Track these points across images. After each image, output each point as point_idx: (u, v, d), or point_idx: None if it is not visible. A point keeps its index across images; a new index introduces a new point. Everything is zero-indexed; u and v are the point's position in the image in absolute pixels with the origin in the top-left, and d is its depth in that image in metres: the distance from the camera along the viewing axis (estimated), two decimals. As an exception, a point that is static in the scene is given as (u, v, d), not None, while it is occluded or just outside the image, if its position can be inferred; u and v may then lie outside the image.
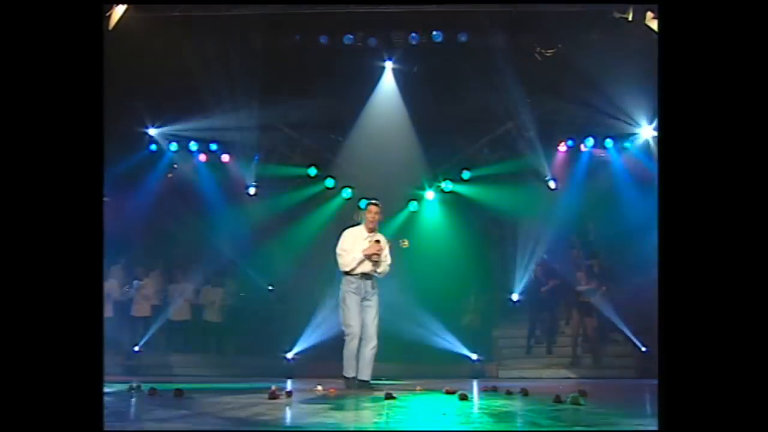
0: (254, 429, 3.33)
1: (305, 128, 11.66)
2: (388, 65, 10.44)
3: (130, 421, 3.60)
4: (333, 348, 7.18)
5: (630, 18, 8.09)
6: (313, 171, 11.89)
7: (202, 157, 11.90)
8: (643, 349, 9.80)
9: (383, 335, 6.29)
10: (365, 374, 6.12)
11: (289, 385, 6.98)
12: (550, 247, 11.26)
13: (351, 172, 11.63)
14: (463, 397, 4.83)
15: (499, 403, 4.62)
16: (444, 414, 3.92)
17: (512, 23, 8.93)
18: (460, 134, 11.72)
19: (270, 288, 11.72)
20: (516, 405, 4.54)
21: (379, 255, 6.14)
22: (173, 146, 11.53)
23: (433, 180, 11.99)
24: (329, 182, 11.84)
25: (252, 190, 11.79)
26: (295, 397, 5.01)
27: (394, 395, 4.90)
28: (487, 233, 11.52)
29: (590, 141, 11.35)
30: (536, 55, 9.60)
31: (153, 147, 11.47)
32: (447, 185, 11.97)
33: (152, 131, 11.19)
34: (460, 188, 11.92)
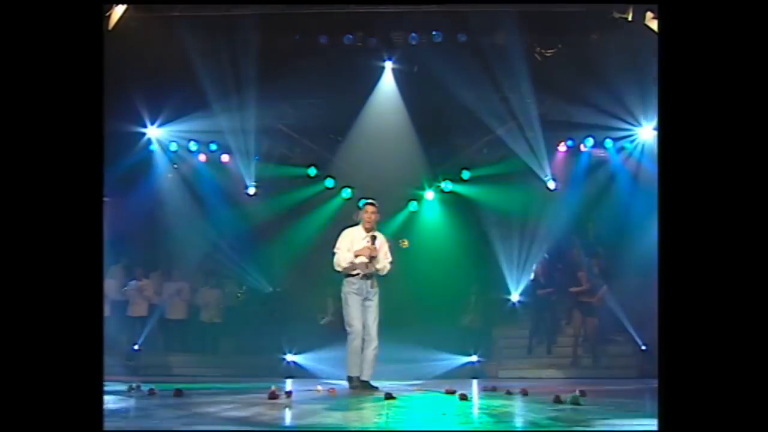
0: (254, 429, 3.33)
1: (305, 128, 11.65)
2: (388, 65, 10.42)
3: (130, 421, 3.60)
4: (333, 348, 7.18)
5: (630, 18, 8.08)
6: (313, 171, 11.88)
7: (202, 158, 11.88)
8: (643, 347, 9.80)
9: (383, 335, 6.29)
10: (367, 375, 6.12)
11: (288, 385, 6.98)
12: (550, 247, 11.26)
13: (351, 172, 11.63)
14: (463, 397, 4.83)
15: (499, 403, 4.62)
16: (444, 414, 3.92)
17: (512, 23, 8.92)
18: (460, 134, 11.71)
19: (272, 289, 11.70)
20: (516, 405, 4.55)
21: (370, 256, 6.14)
22: (173, 146, 11.52)
23: (433, 180, 11.98)
24: (329, 182, 11.83)
25: (252, 190, 11.78)
26: (294, 397, 5.00)
27: (394, 395, 4.91)
28: (486, 233, 11.51)
29: (590, 141, 11.33)
30: (536, 55, 9.59)
31: (153, 147, 11.46)
32: (447, 185, 11.96)
33: (152, 131, 11.18)
34: (460, 188, 11.91)
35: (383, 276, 6.35)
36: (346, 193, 11.79)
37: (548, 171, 11.30)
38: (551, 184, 11.38)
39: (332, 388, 5.80)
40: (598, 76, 9.06)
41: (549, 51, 9.54)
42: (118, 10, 7.61)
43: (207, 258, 11.58)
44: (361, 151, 11.21)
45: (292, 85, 10.04)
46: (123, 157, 10.58)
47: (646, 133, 10.62)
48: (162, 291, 11.21)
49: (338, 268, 6.23)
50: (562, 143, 11.57)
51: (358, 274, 6.18)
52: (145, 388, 5.54)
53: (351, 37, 9.51)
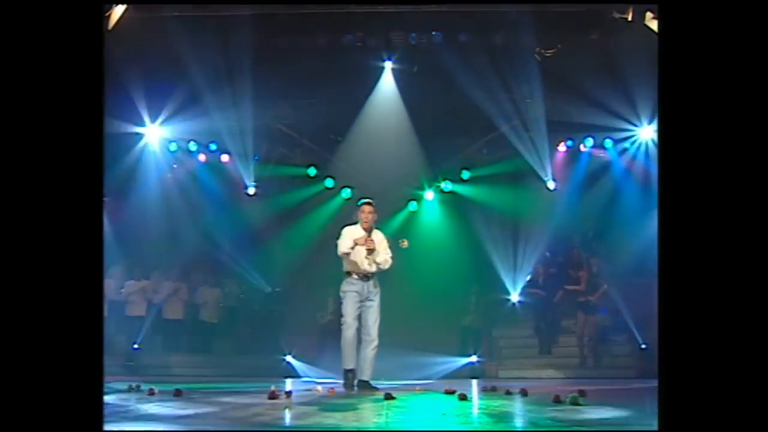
0: (254, 429, 3.33)
1: (305, 128, 11.65)
2: (388, 65, 10.42)
3: (130, 421, 3.60)
4: (333, 348, 7.18)
5: (630, 18, 8.08)
6: (312, 171, 11.89)
7: (202, 158, 11.88)
8: (643, 346, 9.81)
9: (383, 335, 6.29)
10: (366, 374, 6.12)
11: (288, 385, 6.98)
12: (550, 247, 11.27)
13: (350, 173, 11.63)
14: (463, 397, 4.83)
15: (499, 403, 4.62)
16: (444, 414, 3.92)
17: (512, 23, 8.92)
18: (460, 134, 11.71)
19: (273, 290, 11.70)
20: (516, 405, 4.54)
21: (369, 249, 6.14)
22: (172, 147, 11.52)
23: (433, 180, 11.99)
24: (329, 182, 11.84)
25: (251, 190, 11.79)
26: (294, 397, 5.00)
27: (394, 395, 4.90)
28: (486, 233, 11.51)
29: (590, 141, 11.34)
30: (536, 55, 9.59)
31: (152, 147, 11.45)
32: (446, 185, 11.97)
33: (151, 131, 11.17)
34: (460, 188, 11.92)
35: (385, 272, 6.34)
36: (346, 193, 11.79)
37: (548, 171, 11.31)
38: (551, 184, 11.39)
39: (332, 388, 5.80)
40: (598, 76, 9.06)
41: (549, 51, 9.54)
42: (118, 10, 7.60)
43: (206, 258, 11.58)
44: (360, 151, 11.22)
45: (291, 86, 10.04)
46: (123, 157, 10.59)
47: (646, 133, 10.62)
48: (160, 291, 11.20)
49: (339, 253, 6.22)
50: (562, 143, 11.58)
51: (358, 274, 6.18)
52: (144, 387, 5.54)
53: (350, 37, 9.51)
